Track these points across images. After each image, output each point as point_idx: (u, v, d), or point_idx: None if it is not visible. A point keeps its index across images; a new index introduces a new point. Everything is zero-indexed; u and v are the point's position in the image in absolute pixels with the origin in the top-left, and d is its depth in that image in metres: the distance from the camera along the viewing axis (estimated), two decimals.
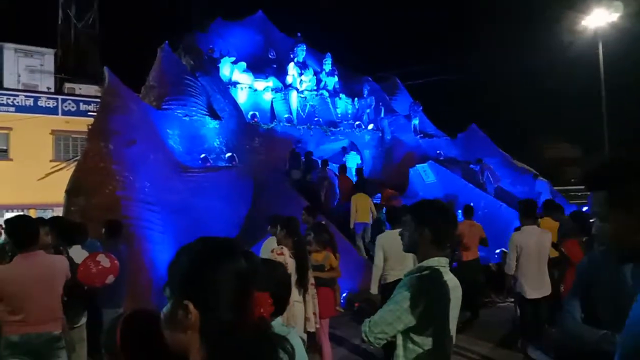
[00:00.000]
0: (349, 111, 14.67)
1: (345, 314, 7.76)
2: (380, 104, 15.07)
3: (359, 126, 14.34)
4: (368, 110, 14.76)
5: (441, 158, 14.62)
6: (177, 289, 1.09)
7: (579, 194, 20.84)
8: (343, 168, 11.64)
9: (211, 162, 11.23)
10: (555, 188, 14.83)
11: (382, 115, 14.85)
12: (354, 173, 12.80)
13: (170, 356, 1.28)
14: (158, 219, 8.68)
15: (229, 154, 11.61)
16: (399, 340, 2.24)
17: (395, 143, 14.49)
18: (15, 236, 3.67)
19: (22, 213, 18.08)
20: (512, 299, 6.64)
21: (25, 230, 3.67)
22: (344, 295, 8.38)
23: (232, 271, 1.08)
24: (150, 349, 1.24)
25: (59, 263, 3.85)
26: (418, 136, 15.23)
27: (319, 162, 11.95)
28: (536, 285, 5.42)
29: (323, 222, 6.49)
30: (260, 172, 11.21)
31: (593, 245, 3.71)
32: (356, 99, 14.85)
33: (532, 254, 5.41)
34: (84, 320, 4.66)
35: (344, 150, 13.78)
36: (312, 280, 4.53)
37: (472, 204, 8.91)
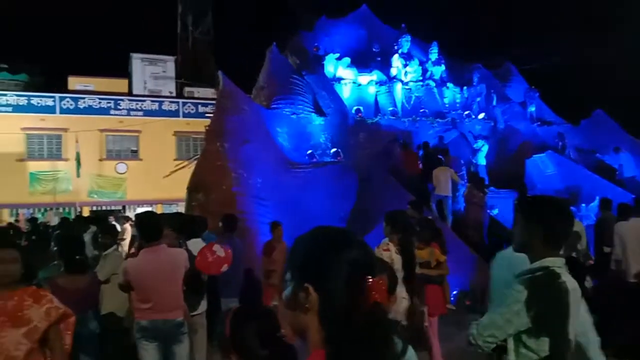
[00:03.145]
0: (458, 101, 14.08)
1: (456, 311, 7.49)
2: (492, 91, 14.27)
3: (468, 116, 13.72)
4: (478, 99, 14.06)
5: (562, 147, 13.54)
6: (298, 273, 1.18)
7: None
8: (405, 144, 11.72)
9: (317, 158, 11.48)
10: None
11: (495, 103, 14.07)
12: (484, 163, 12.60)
13: (276, 347, 1.34)
14: (269, 213, 9.07)
15: (334, 150, 11.77)
16: (511, 344, 2.12)
17: (510, 132, 13.66)
18: (142, 230, 4.05)
19: (150, 208, 19.90)
20: None
21: (151, 225, 4.03)
22: (454, 292, 8.11)
23: (348, 258, 1.15)
24: (257, 341, 1.31)
25: (179, 255, 4.15)
26: (535, 124, 14.21)
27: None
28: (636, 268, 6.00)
29: (430, 217, 6.30)
30: (365, 166, 11.23)
31: None
32: (465, 87, 14.21)
33: (632, 242, 6.08)
34: (203, 308, 4.98)
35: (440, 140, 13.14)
36: None
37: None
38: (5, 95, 22.45)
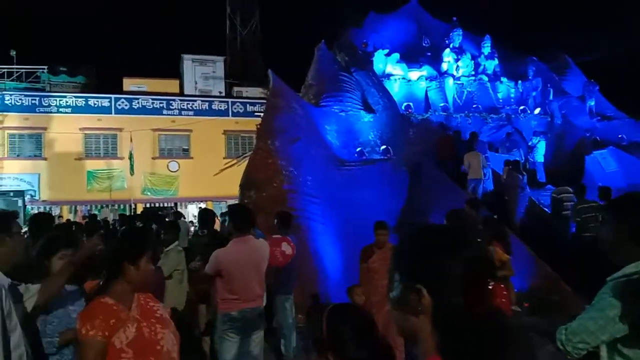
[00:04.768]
0: (512, 95, 13.63)
1: (517, 313, 7.23)
2: (549, 85, 13.72)
3: (523, 111, 13.24)
4: (534, 93, 13.55)
5: (624, 143, 12.84)
6: (409, 274, 1.11)
7: None
8: (442, 125, 11.79)
9: (366, 155, 11.37)
10: None
11: (551, 97, 13.51)
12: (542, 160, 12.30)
13: (375, 348, 1.28)
14: (319, 211, 9.06)
15: (384, 147, 11.62)
16: (604, 352, 1.99)
17: (568, 128, 13.08)
18: (235, 221, 4.14)
19: (202, 205, 20.22)
20: None
21: (243, 216, 4.14)
22: None
23: (465, 258, 1.07)
24: (355, 341, 1.26)
25: (264, 246, 4.28)
26: (595, 119, 13.56)
27: None
28: None
29: (494, 216, 6.08)
30: (416, 163, 11.03)
31: None
32: (520, 81, 13.73)
33: None
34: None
35: (508, 136, 12.83)
36: None
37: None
38: (64, 97, 23.58)
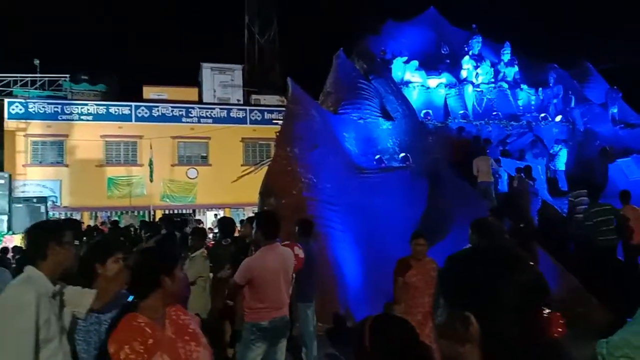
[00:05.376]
0: (532, 103, 13.48)
1: None
2: (570, 92, 13.52)
3: (544, 118, 13.08)
4: (555, 101, 13.38)
5: None
6: (454, 299, 1.02)
7: None
8: (460, 129, 11.87)
9: (385, 162, 11.32)
10: None
11: (573, 105, 13.32)
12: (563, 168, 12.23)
13: (419, 358, 1.25)
14: (338, 218, 9.03)
15: (403, 154, 11.56)
16: None
17: (590, 135, 12.87)
18: (264, 228, 4.14)
19: (220, 212, 20.27)
20: None
21: (272, 222, 4.15)
22: None
23: (518, 282, 0.98)
24: (398, 352, 1.24)
25: (290, 253, 4.30)
26: (617, 127, 13.32)
27: None
28: None
29: (521, 225, 5.99)
30: (435, 171, 10.94)
31: None
32: (540, 88, 13.57)
33: None
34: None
35: (532, 145, 12.70)
36: None
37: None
38: (86, 104, 24.00)
